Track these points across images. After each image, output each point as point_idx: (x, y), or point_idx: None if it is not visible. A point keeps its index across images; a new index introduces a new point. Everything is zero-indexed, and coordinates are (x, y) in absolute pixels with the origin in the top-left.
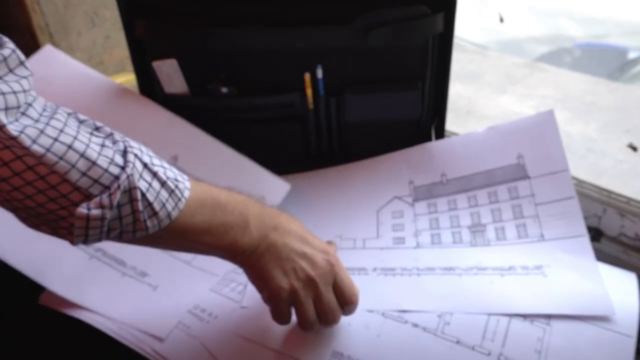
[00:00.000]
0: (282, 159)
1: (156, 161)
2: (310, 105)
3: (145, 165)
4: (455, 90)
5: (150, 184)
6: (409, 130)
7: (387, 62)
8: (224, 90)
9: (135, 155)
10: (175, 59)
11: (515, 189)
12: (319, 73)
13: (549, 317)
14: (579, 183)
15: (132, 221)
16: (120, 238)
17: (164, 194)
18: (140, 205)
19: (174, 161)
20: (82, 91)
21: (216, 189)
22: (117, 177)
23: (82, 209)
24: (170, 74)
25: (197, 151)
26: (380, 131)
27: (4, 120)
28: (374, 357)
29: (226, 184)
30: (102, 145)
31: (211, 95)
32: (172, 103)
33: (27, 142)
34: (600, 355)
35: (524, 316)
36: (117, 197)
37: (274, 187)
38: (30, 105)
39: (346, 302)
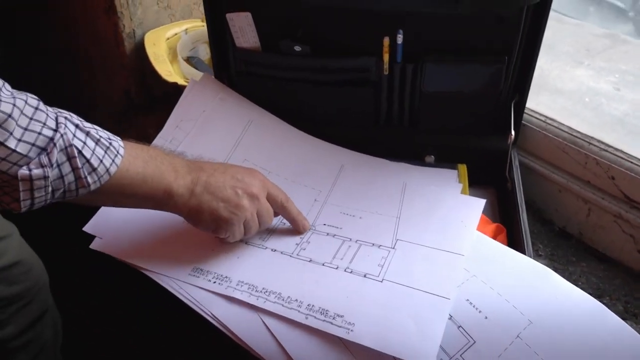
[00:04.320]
0: (349, 122)
1: (87, 124)
2: (386, 71)
3: (76, 125)
4: None
5: (84, 142)
6: (486, 105)
7: (473, 32)
8: (297, 48)
9: (66, 118)
10: (250, 12)
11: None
12: (399, 38)
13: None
14: None
15: (74, 179)
16: (64, 198)
17: (100, 151)
18: (78, 162)
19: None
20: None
21: (140, 144)
22: (51, 139)
23: (23, 171)
24: (243, 27)
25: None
26: (454, 103)
27: None
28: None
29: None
30: (36, 108)
31: (283, 52)
32: (241, 57)
33: None
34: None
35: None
36: (55, 155)
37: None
38: None
39: (279, 206)
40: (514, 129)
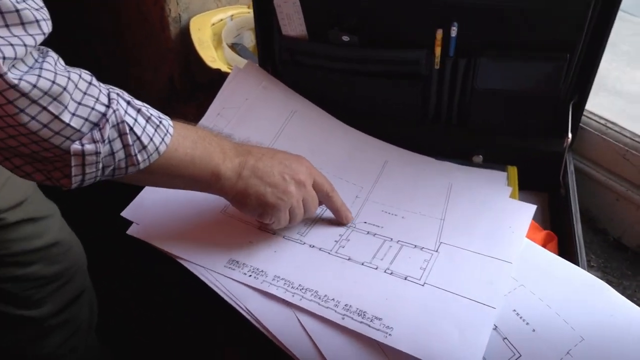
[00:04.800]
0: (395, 116)
1: (137, 101)
2: (437, 65)
3: (128, 102)
4: None
5: (135, 119)
6: (542, 105)
7: (532, 26)
8: (345, 38)
9: (118, 94)
10: None
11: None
12: (453, 31)
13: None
14: None
15: (124, 156)
16: (113, 175)
17: (150, 129)
18: (129, 139)
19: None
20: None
21: (190, 125)
22: (104, 114)
23: (76, 145)
24: (291, 14)
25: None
26: (508, 102)
27: (4, 69)
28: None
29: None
30: (90, 84)
31: (330, 41)
32: (287, 46)
33: (28, 88)
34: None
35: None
36: (107, 131)
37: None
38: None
39: (324, 195)
40: (571, 132)
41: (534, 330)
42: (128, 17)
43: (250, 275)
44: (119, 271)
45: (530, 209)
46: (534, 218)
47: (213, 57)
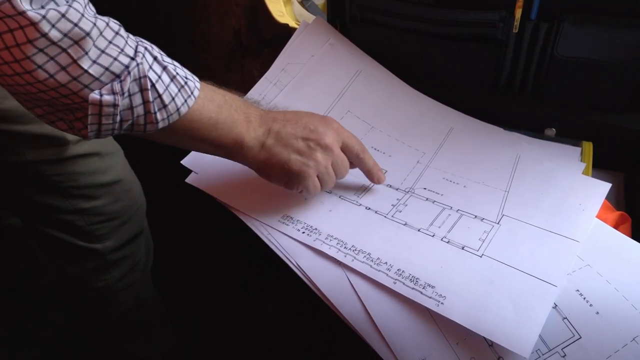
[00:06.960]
0: (465, 82)
1: (167, 58)
2: (515, 29)
3: (155, 58)
4: None
5: (159, 76)
6: (629, 78)
7: None
8: None
9: (146, 48)
10: None
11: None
12: None
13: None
14: None
15: (143, 112)
16: (132, 130)
17: (174, 88)
18: (150, 95)
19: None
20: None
21: (220, 89)
22: (127, 66)
23: (94, 94)
24: None
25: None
26: (590, 72)
27: (25, 6)
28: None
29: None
30: (116, 33)
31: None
32: (358, 1)
33: (47, 27)
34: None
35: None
36: (128, 83)
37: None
38: None
39: (354, 156)
40: None
41: (597, 313)
42: None
43: (303, 232)
44: (174, 219)
45: (604, 187)
46: (607, 198)
47: (281, 11)
